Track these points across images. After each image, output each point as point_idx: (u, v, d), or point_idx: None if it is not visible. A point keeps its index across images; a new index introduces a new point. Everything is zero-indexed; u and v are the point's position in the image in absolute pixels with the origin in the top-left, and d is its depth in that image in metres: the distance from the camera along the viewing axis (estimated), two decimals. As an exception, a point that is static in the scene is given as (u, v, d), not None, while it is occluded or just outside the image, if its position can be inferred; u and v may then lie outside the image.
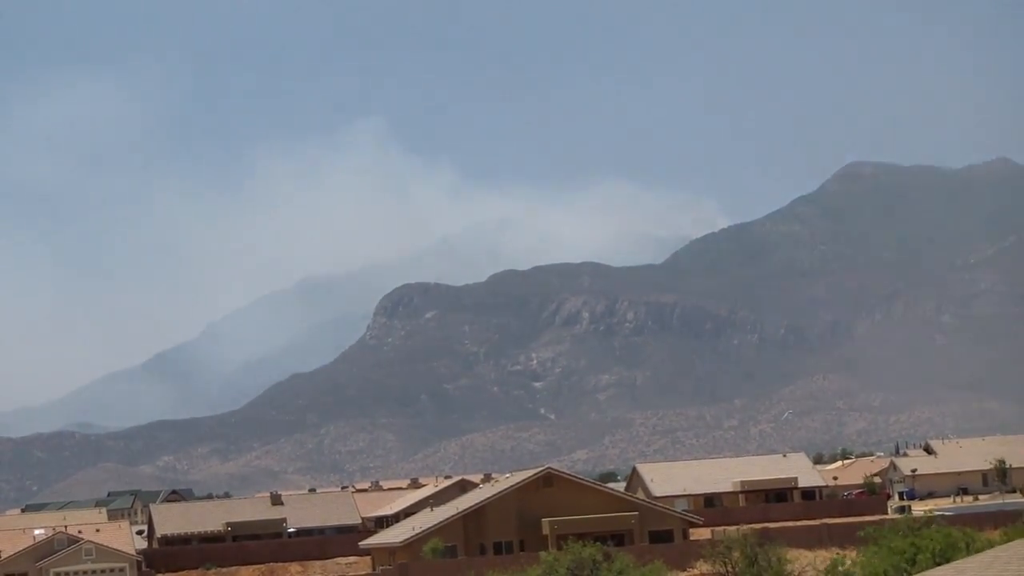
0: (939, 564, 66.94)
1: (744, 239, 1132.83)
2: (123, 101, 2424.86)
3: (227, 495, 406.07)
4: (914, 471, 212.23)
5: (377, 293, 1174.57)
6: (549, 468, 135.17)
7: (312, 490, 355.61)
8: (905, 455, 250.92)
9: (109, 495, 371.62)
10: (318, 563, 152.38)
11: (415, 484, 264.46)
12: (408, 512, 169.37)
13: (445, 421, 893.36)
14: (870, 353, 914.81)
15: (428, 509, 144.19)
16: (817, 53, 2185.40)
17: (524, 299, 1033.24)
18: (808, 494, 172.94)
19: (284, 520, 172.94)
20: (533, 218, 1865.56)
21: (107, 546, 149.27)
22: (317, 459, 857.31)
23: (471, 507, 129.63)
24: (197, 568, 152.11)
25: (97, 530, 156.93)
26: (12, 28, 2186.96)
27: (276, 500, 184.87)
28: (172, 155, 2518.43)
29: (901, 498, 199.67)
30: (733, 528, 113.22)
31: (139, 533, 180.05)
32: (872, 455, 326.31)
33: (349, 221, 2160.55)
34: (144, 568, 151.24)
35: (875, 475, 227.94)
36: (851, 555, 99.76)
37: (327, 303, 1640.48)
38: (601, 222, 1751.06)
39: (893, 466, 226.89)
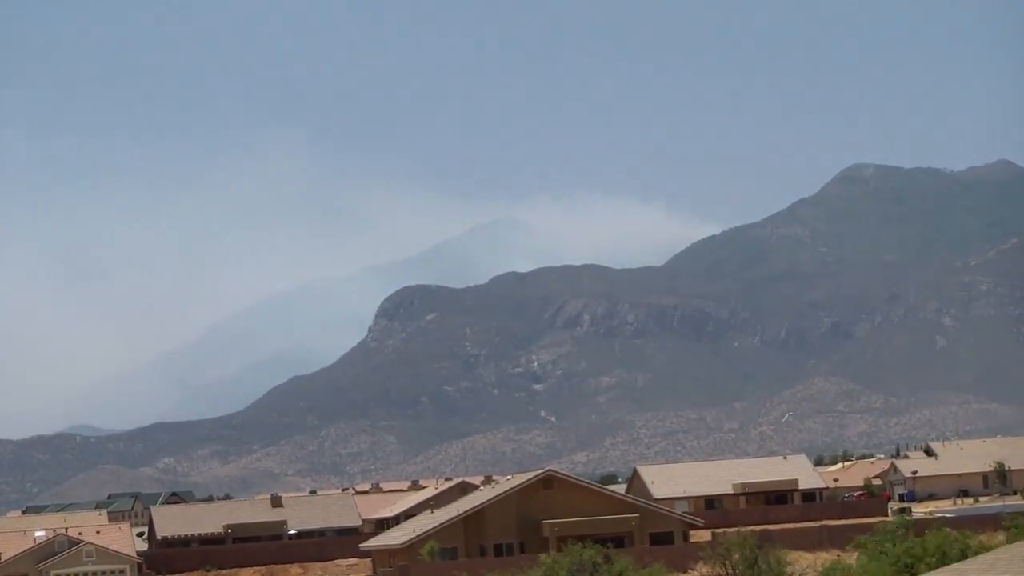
0: (937, 567, 66.94)
1: (745, 241, 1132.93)
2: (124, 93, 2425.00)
3: (227, 497, 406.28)
4: (914, 473, 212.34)
5: (378, 295, 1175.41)
6: (550, 470, 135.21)
7: (312, 492, 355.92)
8: (906, 457, 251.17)
9: (109, 497, 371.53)
10: (318, 565, 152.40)
11: (415, 486, 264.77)
12: (409, 514, 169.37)
13: (446, 423, 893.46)
14: (870, 355, 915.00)
15: (428, 511, 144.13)
16: (818, 55, 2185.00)
17: (525, 301, 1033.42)
18: (808, 496, 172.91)
19: (284, 522, 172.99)
20: (534, 220, 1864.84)
21: (107, 548, 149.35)
22: (317, 461, 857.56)
23: (471, 509, 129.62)
24: (197, 570, 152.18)
25: (97, 532, 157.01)
26: None
27: (276, 502, 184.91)
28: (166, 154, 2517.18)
29: (901, 500, 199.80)
30: (733, 530, 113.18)
31: (139, 535, 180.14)
32: (872, 457, 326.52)
33: (350, 223, 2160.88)
34: (144, 570, 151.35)
35: (876, 477, 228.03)
36: (851, 558, 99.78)
37: (328, 305, 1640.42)
38: (602, 224, 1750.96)
39: (894, 468, 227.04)
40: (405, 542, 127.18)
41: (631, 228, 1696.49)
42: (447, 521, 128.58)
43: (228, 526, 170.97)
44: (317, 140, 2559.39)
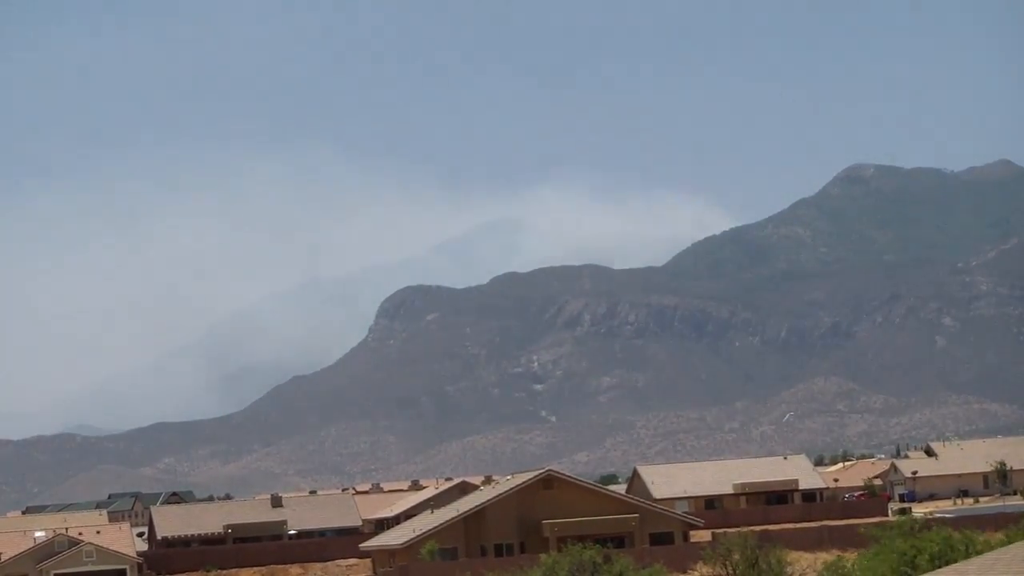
0: (938, 567, 66.90)
1: (745, 241, 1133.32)
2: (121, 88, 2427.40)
3: (227, 497, 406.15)
4: (915, 473, 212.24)
5: (379, 295, 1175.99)
6: (550, 470, 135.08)
7: (313, 492, 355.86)
8: (906, 457, 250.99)
9: (110, 497, 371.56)
10: (318, 565, 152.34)
11: (416, 486, 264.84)
12: (409, 514, 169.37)
13: (446, 423, 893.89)
14: (871, 355, 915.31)
15: (428, 511, 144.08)
16: (818, 55, 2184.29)
17: (525, 301, 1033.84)
18: (809, 496, 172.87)
19: (284, 522, 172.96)
20: (534, 220, 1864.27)
21: (108, 548, 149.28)
22: (318, 461, 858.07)
23: (471, 509, 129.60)
24: (197, 570, 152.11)
25: (98, 532, 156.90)
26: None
27: (276, 502, 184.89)
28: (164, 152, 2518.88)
29: (902, 500, 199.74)
30: (734, 530, 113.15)
31: (140, 535, 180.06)
32: (873, 457, 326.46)
33: (351, 223, 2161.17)
34: (144, 570, 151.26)
35: (876, 477, 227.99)
36: (851, 558, 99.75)
37: (328, 305, 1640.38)
38: (602, 224, 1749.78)
39: (894, 468, 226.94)
40: (405, 542, 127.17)
41: (631, 228, 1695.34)
42: (447, 521, 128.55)
43: (228, 526, 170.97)
44: (317, 140, 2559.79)
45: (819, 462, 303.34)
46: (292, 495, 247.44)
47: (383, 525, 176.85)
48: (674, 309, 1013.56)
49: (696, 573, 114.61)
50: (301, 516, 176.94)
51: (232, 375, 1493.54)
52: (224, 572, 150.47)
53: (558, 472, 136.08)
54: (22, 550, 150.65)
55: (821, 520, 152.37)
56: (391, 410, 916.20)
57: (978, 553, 60.63)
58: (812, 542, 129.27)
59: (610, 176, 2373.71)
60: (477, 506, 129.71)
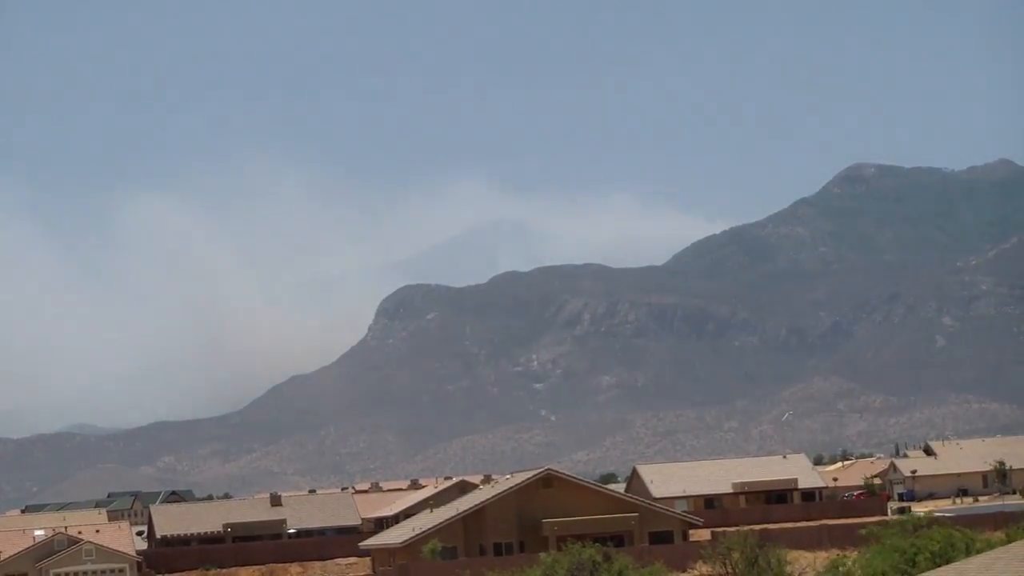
0: (938, 565, 66.91)
1: (745, 240, 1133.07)
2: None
3: (227, 496, 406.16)
4: (914, 472, 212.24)
5: (378, 294, 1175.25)
6: (549, 469, 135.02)
7: (312, 491, 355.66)
8: (905, 456, 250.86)
9: (109, 496, 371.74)
10: (318, 564, 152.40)
11: (415, 485, 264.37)
12: (408, 513, 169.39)
13: (445, 422, 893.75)
14: (870, 354, 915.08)
15: (428, 510, 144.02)
16: (818, 54, 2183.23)
17: (525, 300, 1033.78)
18: (808, 495, 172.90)
19: (284, 521, 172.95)
20: (534, 219, 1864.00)
21: (107, 547, 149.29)
22: (317, 460, 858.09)
23: (471, 508, 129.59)
24: (197, 569, 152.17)
25: (97, 531, 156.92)
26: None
27: (276, 501, 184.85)
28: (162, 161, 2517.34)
29: (901, 499, 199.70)
30: (733, 529, 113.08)
31: (139, 534, 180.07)
32: (872, 456, 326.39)
33: (350, 222, 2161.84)
34: (144, 569, 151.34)
35: (875, 476, 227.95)
36: (851, 556, 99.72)
37: (328, 304, 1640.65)
38: (602, 223, 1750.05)
39: (893, 467, 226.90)
40: (404, 541, 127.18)
41: (631, 228, 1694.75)
42: (446, 520, 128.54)
43: (227, 525, 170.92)
44: (316, 139, 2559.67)
45: (818, 461, 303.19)
46: (291, 494, 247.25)
47: (382, 524, 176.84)
48: (674, 308, 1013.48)
49: (696, 572, 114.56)
50: (300, 515, 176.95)
51: (232, 374, 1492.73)
52: (223, 571, 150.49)
53: (557, 471, 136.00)
54: (21, 549, 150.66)
55: (820, 519, 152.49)
56: (391, 409, 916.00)
57: (978, 552, 60.66)
58: (811, 541, 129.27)
59: (609, 175, 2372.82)
60: (476, 505, 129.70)
